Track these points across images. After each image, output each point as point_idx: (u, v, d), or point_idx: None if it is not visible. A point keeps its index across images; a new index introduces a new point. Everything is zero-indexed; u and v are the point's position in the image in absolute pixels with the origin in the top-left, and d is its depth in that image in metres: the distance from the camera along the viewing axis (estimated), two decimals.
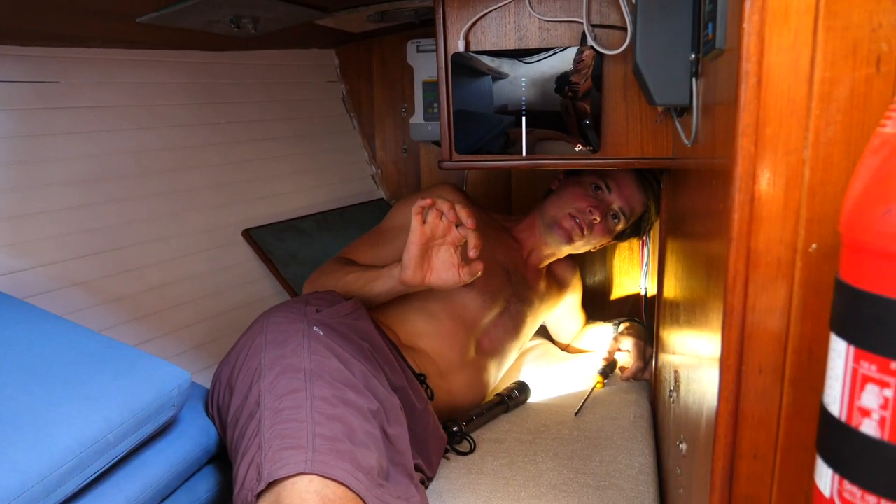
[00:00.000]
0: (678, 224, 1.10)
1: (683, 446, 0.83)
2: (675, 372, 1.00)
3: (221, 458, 1.04)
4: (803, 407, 0.58)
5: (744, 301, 0.56)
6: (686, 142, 0.83)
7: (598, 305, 1.93)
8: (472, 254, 1.10)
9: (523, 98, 1.18)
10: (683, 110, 0.86)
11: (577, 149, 1.18)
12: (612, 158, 1.19)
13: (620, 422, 1.33)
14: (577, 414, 1.37)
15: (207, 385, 1.16)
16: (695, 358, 0.80)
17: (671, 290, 1.18)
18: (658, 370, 1.38)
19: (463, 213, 1.08)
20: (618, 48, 1.09)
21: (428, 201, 1.09)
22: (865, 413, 0.46)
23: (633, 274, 1.95)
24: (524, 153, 1.20)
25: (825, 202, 0.53)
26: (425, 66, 1.88)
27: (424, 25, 1.91)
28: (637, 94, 1.15)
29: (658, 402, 1.34)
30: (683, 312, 0.94)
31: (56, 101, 1.34)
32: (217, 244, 1.62)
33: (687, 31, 0.78)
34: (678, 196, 1.08)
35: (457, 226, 1.11)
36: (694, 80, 0.79)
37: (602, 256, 1.95)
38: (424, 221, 1.10)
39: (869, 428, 0.45)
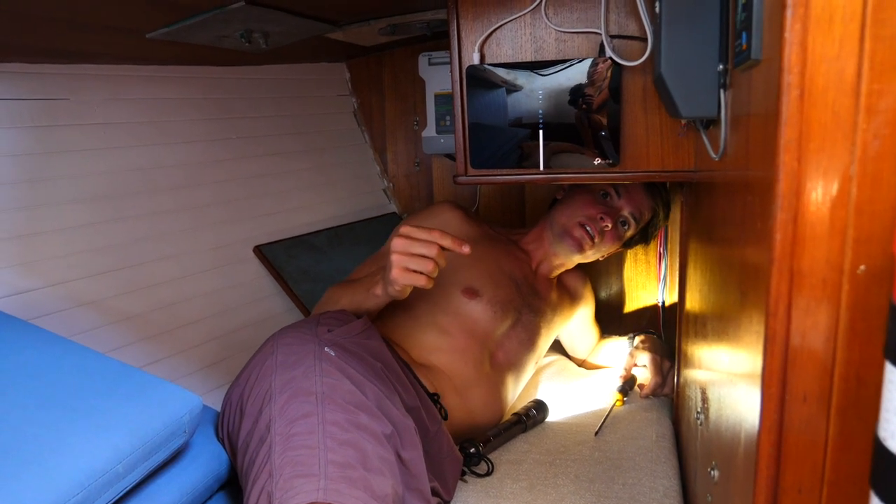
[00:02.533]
0: (702, 236, 1.06)
1: (715, 473, 0.79)
2: (703, 391, 0.96)
3: (233, 484, 1.01)
4: (852, 438, 0.54)
5: (787, 325, 0.53)
6: (713, 155, 0.80)
7: (614, 318, 1.89)
8: (465, 250, 1.06)
9: (540, 111, 1.15)
10: (710, 123, 0.83)
11: (595, 162, 1.15)
12: (631, 172, 1.16)
13: (642, 442, 1.29)
14: (597, 434, 1.34)
15: (217, 406, 1.13)
16: (726, 377, 0.77)
17: (695, 303, 1.15)
18: (681, 386, 1.34)
19: (448, 241, 1.05)
20: (637, 59, 1.06)
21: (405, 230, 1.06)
22: None
23: (649, 286, 1.91)
24: (541, 167, 1.17)
25: (874, 221, 0.50)
26: (437, 78, 1.86)
27: (437, 38, 1.89)
28: (657, 105, 1.12)
29: (681, 420, 1.30)
30: (711, 328, 0.91)
31: (65, 118, 1.33)
32: (228, 261, 1.60)
33: (714, 41, 0.75)
34: (702, 209, 1.05)
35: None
36: (722, 91, 0.76)
37: (618, 268, 1.92)
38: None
39: None
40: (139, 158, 1.45)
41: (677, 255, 1.80)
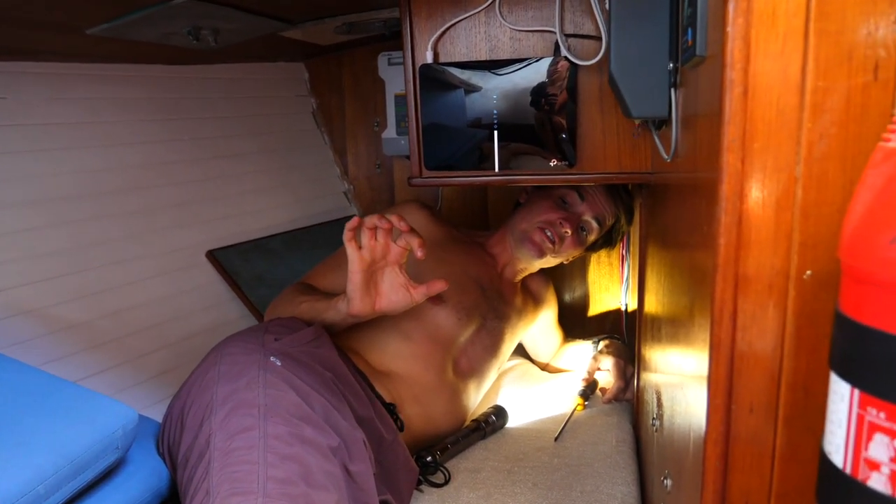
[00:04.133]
0: (659, 240, 1.05)
1: (668, 482, 0.77)
2: (658, 395, 0.95)
3: (175, 500, 0.96)
4: (799, 449, 0.52)
5: (732, 333, 0.51)
6: (665, 156, 0.78)
7: (577, 322, 1.88)
8: (418, 254, 1.03)
9: (495, 111, 1.13)
10: (662, 123, 0.81)
11: (552, 164, 1.13)
12: (588, 174, 1.14)
13: (602, 447, 1.27)
14: (556, 439, 1.31)
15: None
16: (678, 383, 0.75)
17: (652, 306, 1.13)
18: (640, 390, 1.32)
19: (394, 218, 1.02)
20: (592, 59, 1.04)
21: (354, 221, 1.02)
22: (874, 466, 0.40)
23: (612, 289, 1.90)
24: (497, 168, 1.14)
25: (820, 224, 0.48)
26: (397, 79, 1.83)
27: (395, 38, 1.85)
28: (613, 106, 1.11)
29: (641, 425, 1.28)
30: (666, 332, 0.89)
31: (3, 117, 1.26)
32: (179, 266, 1.54)
33: (664, 39, 0.74)
34: (659, 211, 1.03)
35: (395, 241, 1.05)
36: (673, 90, 0.74)
37: (581, 271, 1.91)
38: (360, 246, 1.03)
39: (878, 483, 0.40)
40: (84, 160, 1.40)
41: (637, 258, 1.80)
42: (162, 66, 1.59)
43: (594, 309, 1.93)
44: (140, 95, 1.53)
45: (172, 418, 0.97)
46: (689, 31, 0.57)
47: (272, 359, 0.95)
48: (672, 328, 0.82)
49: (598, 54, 1.02)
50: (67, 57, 1.38)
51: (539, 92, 1.11)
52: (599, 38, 1.04)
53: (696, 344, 0.60)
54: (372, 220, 1.03)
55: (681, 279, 0.74)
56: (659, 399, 0.92)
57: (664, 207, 0.94)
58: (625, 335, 1.79)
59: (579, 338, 1.76)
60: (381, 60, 1.83)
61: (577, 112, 1.12)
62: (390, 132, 1.85)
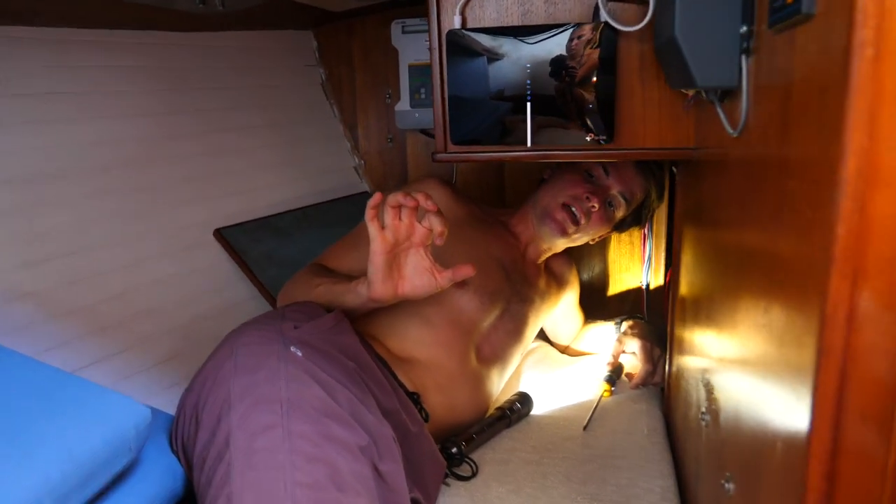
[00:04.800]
0: (702, 218, 0.98)
1: (730, 486, 0.71)
2: (708, 386, 0.88)
3: (191, 500, 0.90)
4: None
5: (846, 336, 0.44)
6: (731, 131, 0.71)
7: (596, 302, 1.81)
8: (437, 241, 0.97)
9: (528, 82, 1.05)
10: (725, 94, 0.73)
11: (587, 139, 1.05)
12: (627, 149, 1.06)
13: (633, 436, 1.21)
14: (585, 428, 1.26)
15: (173, 405, 1.02)
16: (745, 374, 0.68)
17: (692, 288, 1.06)
18: (673, 376, 1.26)
19: (420, 197, 0.95)
20: (635, 24, 0.96)
21: (377, 197, 0.95)
22: None
23: (633, 269, 1.83)
24: (529, 143, 1.06)
25: None
26: (411, 48, 1.74)
27: (409, 4, 1.77)
28: (655, 76, 1.02)
29: (675, 412, 1.22)
30: (722, 321, 0.83)
31: None
32: (185, 245, 1.47)
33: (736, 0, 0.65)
34: (705, 189, 0.96)
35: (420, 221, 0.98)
36: (744, 57, 0.66)
37: (600, 249, 1.83)
38: (383, 226, 0.96)
39: None
40: (84, 133, 1.32)
41: (663, 236, 1.72)
42: (165, 33, 1.50)
43: (614, 288, 1.86)
44: (143, 64, 1.44)
45: (186, 414, 0.90)
46: None
47: (292, 349, 0.88)
48: (730, 317, 0.75)
49: (642, 20, 0.94)
50: (68, 22, 1.29)
51: (580, 50, 1.03)
52: (643, 2, 0.95)
53: (786, 343, 0.53)
54: (396, 197, 0.95)
55: (749, 265, 0.67)
56: (710, 391, 0.86)
57: (717, 185, 0.87)
58: (645, 314, 1.73)
59: (599, 318, 1.70)
60: (395, 28, 1.74)
61: (616, 83, 1.03)
62: (403, 104, 1.77)
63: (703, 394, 0.91)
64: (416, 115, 1.76)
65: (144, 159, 1.42)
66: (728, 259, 0.78)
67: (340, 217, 1.78)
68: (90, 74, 1.34)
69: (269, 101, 1.76)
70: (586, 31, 1.01)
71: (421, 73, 1.74)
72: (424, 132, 1.87)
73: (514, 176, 1.86)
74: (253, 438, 0.76)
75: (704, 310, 0.93)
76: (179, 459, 0.90)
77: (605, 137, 1.05)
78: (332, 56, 1.92)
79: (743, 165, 0.70)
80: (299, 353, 0.88)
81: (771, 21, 0.55)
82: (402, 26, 1.73)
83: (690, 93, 0.87)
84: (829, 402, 0.46)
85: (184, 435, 0.90)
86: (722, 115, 0.73)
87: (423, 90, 1.75)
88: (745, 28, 0.65)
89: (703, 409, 0.88)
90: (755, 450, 0.63)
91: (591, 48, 1.02)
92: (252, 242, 1.57)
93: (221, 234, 1.53)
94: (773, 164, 0.58)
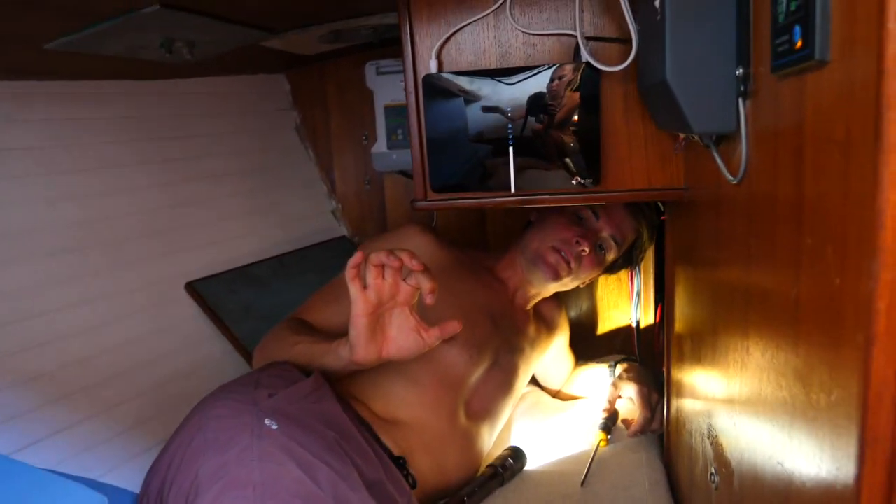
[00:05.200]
0: (701, 263, 0.93)
1: None
2: (716, 443, 0.82)
3: None
4: None
5: (894, 425, 0.39)
6: (731, 178, 0.66)
7: (585, 341, 1.75)
8: (428, 300, 0.90)
9: (509, 125, 1.00)
10: (721, 138, 0.69)
11: (574, 182, 1.01)
12: (614, 192, 1.02)
13: (634, 491, 1.15)
14: (583, 484, 1.19)
15: (142, 476, 0.93)
16: (762, 434, 0.62)
17: (691, 328, 1.01)
18: (673, 422, 1.20)
19: (405, 256, 0.88)
20: (618, 64, 0.92)
21: (358, 257, 0.89)
22: None
23: (622, 306, 1.78)
24: (513, 189, 1.02)
25: None
26: (387, 88, 1.70)
27: (383, 46, 1.73)
28: (640, 116, 0.99)
29: (678, 463, 1.16)
30: (723, 359, 0.77)
31: None
32: (154, 302, 1.40)
33: (730, 40, 0.61)
34: (700, 232, 0.91)
35: (405, 279, 0.92)
36: (741, 101, 0.62)
37: (587, 287, 1.78)
38: (365, 285, 0.90)
39: None
40: (41, 189, 1.25)
41: (651, 271, 1.68)
42: (131, 82, 1.44)
43: (603, 327, 1.81)
44: (106, 115, 1.38)
45: (150, 497, 0.83)
46: (798, 28, 0.45)
47: (267, 422, 0.81)
48: (737, 360, 0.70)
49: (624, 59, 0.90)
50: (23, 75, 1.23)
51: (560, 93, 0.99)
52: (625, 41, 0.92)
53: (817, 424, 0.48)
54: (379, 256, 0.89)
55: (758, 309, 0.62)
56: (717, 446, 0.80)
57: (712, 226, 0.82)
58: (637, 352, 1.67)
59: (589, 357, 1.64)
60: (369, 70, 1.70)
61: (600, 123, 0.99)
62: (380, 146, 1.72)
63: (709, 448, 0.86)
64: (394, 156, 1.72)
65: (108, 214, 1.35)
66: (733, 301, 0.73)
67: (319, 263, 1.72)
68: (51, 128, 1.28)
69: (241, 147, 1.70)
70: (567, 71, 0.98)
71: (397, 114, 1.70)
72: (403, 173, 1.82)
73: (497, 217, 1.81)
74: None
75: (706, 352, 0.88)
76: None
77: (590, 180, 1.00)
78: (306, 99, 1.88)
79: (745, 209, 0.66)
80: (274, 426, 0.81)
81: (775, 65, 0.51)
82: (377, 67, 1.69)
83: (682, 136, 0.83)
84: (878, 496, 0.40)
85: None
86: (720, 162, 0.68)
87: (399, 131, 1.71)
88: (741, 70, 0.61)
89: (713, 470, 0.82)
90: None
91: (571, 90, 0.98)
92: (227, 294, 1.50)
93: (193, 288, 1.46)
94: (783, 216, 0.54)
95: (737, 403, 0.71)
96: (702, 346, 0.91)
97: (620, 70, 0.93)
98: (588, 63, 0.95)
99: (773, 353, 0.58)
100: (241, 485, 0.73)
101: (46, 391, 1.17)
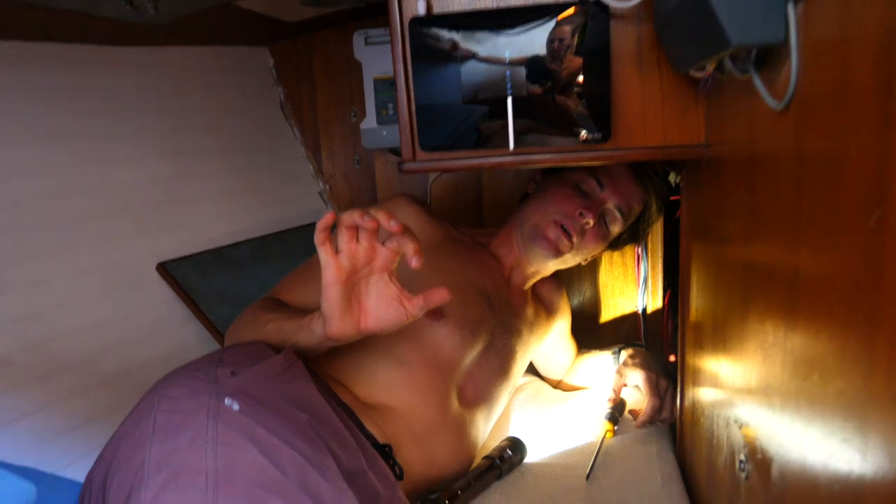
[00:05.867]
0: (725, 229, 0.82)
1: None
2: (745, 431, 0.72)
3: None
4: None
5: None
6: (773, 103, 0.55)
7: (588, 330, 1.65)
8: (413, 264, 0.78)
9: (508, 74, 0.90)
10: (762, 60, 0.58)
11: (581, 137, 0.90)
12: (626, 149, 0.91)
13: (646, 486, 1.04)
14: (588, 478, 1.08)
15: None
16: (810, 421, 0.52)
17: (711, 312, 0.90)
18: (688, 412, 1.09)
19: (381, 216, 0.77)
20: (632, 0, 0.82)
21: (328, 218, 0.78)
22: None
23: (627, 292, 1.68)
24: (511, 146, 0.91)
25: None
26: (376, 60, 1.59)
27: (373, 14, 1.63)
28: (656, 64, 0.88)
29: (694, 456, 1.05)
30: (756, 345, 0.67)
31: None
32: (123, 283, 1.29)
33: None
34: (725, 193, 0.80)
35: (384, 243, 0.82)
36: (790, 5, 0.51)
37: (591, 272, 1.68)
38: (337, 251, 0.80)
39: None
40: None
41: (659, 254, 1.58)
42: (98, 47, 1.33)
43: (607, 314, 1.71)
44: (67, 81, 1.27)
45: (93, 488, 0.72)
46: None
47: (227, 401, 0.70)
48: (782, 370, 0.59)
49: None
50: None
51: (562, 50, 0.88)
52: None
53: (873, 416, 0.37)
54: (352, 216, 0.78)
55: (808, 286, 0.52)
56: (748, 434, 0.69)
57: (740, 187, 0.72)
58: (644, 342, 1.57)
59: (592, 348, 1.54)
60: (357, 39, 1.59)
61: (611, 72, 0.89)
62: (370, 122, 1.61)
63: (737, 436, 0.75)
64: (384, 132, 1.61)
65: (70, 189, 1.23)
66: (770, 281, 0.62)
67: (303, 247, 1.61)
68: (3, 93, 1.17)
69: (221, 123, 1.59)
70: (572, 17, 0.87)
71: (387, 87, 1.60)
72: (393, 151, 1.72)
73: (494, 193, 1.71)
74: None
75: (734, 338, 0.77)
76: None
77: (599, 136, 0.89)
78: (291, 74, 1.77)
79: (791, 149, 0.55)
80: (235, 407, 0.70)
81: None
82: (365, 37, 1.58)
83: (708, 71, 0.72)
84: None
85: None
86: (760, 86, 0.57)
87: (390, 105, 1.60)
88: None
89: (742, 457, 0.71)
90: None
91: (578, 39, 0.87)
92: (201, 277, 1.39)
93: (166, 269, 1.35)
94: (854, 153, 0.43)
95: (776, 393, 0.60)
96: (727, 332, 0.79)
97: (633, 7, 0.83)
98: (597, 2, 0.84)
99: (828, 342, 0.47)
100: (192, 473, 0.62)
101: (1, 377, 1.05)
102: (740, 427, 0.73)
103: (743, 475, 0.71)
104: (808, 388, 0.52)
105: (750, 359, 0.69)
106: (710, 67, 0.68)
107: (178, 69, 1.50)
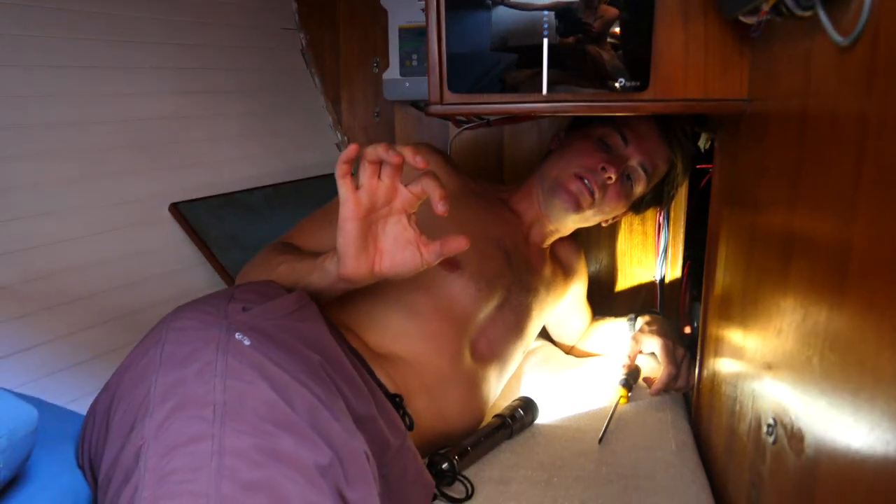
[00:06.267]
0: (763, 194, 0.78)
1: None
2: (775, 399, 0.69)
3: None
4: None
5: None
6: (839, 39, 0.51)
7: (603, 298, 1.61)
8: (438, 209, 0.74)
9: (545, 17, 0.85)
10: None
11: (618, 85, 0.85)
12: (663, 100, 0.87)
13: (660, 452, 1.02)
14: (601, 441, 1.06)
15: None
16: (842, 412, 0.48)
17: (741, 282, 0.87)
18: (706, 381, 1.06)
19: (407, 152, 0.74)
20: None
21: (351, 150, 0.74)
22: None
23: (645, 261, 1.64)
24: (545, 89, 0.86)
25: None
26: (402, 8, 1.54)
27: None
28: (701, 8, 0.83)
29: (710, 424, 1.02)
30: (792, 318, 0.63)
31: None
32: (134, 221, 1.26)
33: None
34: (767, 154, 0.76)
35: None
36: None
37: (609, 239, 1.64)
38: (357, 187, 0.76)
39: None
40: (11, 81, 1.10)
41: (681, 223, 1.53)
42: None
43: (623, 283, 1.67)
44: (88, 9, 1.23)
45: (96, 418, 0.70)
46: None
47: (237, 336, 0.67)
48: (823, 345, 0.55)
49: None
50: None
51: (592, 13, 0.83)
52: None
53: None
54: (376, 150, 0.75)
55: (861, 278, 0.48)
56: (780, 416, 0.66)
57: (788, 146, 0.67)
58: (660, 311, 1.53)
59: (607, 315, 1.50)
60: None
61: (653, 18, 0.84)
62: (393, 72, 1.57)
63: (764, 403, 0.72)
64: (407, 84, 1.56)
65: (85, 118, 1.21)
66: (818, 249, 0.58)
67: (318, 197, 1.57)
68: (20, 16, 1.13)
69: (240, 63, 1.55)
70: None
71: (413, 37, 1.55)
72: (415, 105, 1.67)
73: (515, 154, 1.66)
74: (170, 455, 0.55)
75: (766, 310, 0.73)
76: (86, 477, 0.69)
77: (637, 83, 0.85)
78: (315, 19, 1.72)
79: (852, 103, 0.50)
80: (246, 342, 0.67)
81: None
82: None
83: (765, 7, 0.67)
84: None
85: (91, 446, 0.69)
86: (826, 21, 0.53)
87: (414, 56, 1.55)
88: None
89: (771, 421, 0.68)
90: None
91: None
92: (214, 220, 1.36)
93: (178, 210, 1.32)
94: None
95: (814, 369, 0.56)
96: (759, 304, 0.76)
97: None
98: None
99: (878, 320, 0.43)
100: (199, 404, 0.59)
101: (5, 306, 1.04)
102: (769, 392, 0.70)
103: (770, 439, 0.68)
104: (853, 366, 0.49)
105: (784, 332, 0.66)
106: (766, 7, 0.64)
107: (202, 6, 1.46)
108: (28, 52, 1.13)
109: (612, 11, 0.85)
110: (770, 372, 0.70)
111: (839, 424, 0.51)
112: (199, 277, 1.33)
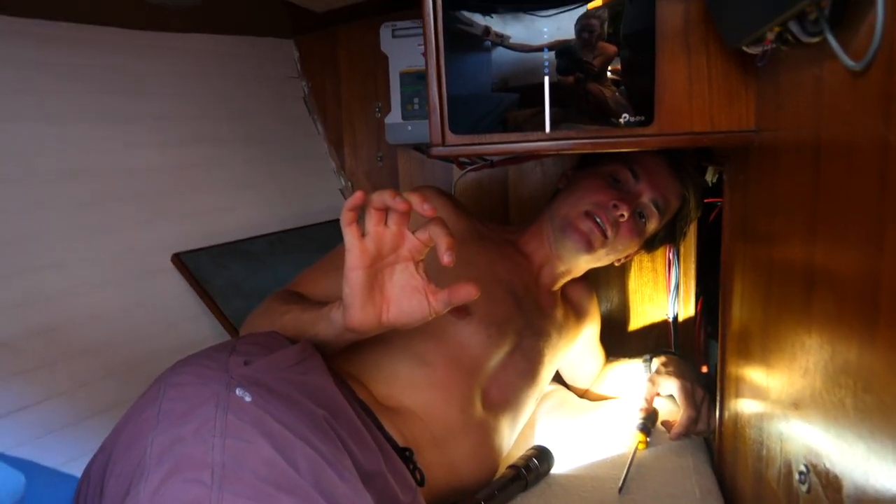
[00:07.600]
0: (777, 227, 0.76)
1: None
2: (805, 443, 0.65)
3: None
4: None
5: None
6: (851, 64, 0.49)
7: (616, 338, 1.58)
8: (444, 260, 0.71)
9: (545, 52, 0.84)
10: (838, 17, 0.52)
11: (622, 120, 0.84)
12: (669, 135, 0.85)
13: (683, 501, 0.97)
14: (621, 491, 1.01)
15: None
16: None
17: (759, 319, 0.84)
18: (728, 424, 1.02)
19: (415, 198, 0.72)
20: None
21: (357, 197, 0.72)
22: None
23: (657, 299, 1.60)
24: (548, 127, 0.85)
25: None
26: (403, 53, 1.55)
27: (400, 6, 1.59)
28: (704, 42, 0.82)
29: (735, 470, 0.98)
30: (817, 356, 0.60)
31: None
32: (136, 272, 1.24)
33: None
34: (777, 185, 0.74)
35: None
36: None
37: (619, 278, 1.62)
38: (363, 234, 0.74)
39: None
40: (12, 136, 1.10)
41: (692, 259, 1.50)
42: (121, 30, 1.30)
43: (636, 322, 1.64)
44: (91, 62, 1.24)
45: (91, 480, 0.67)
46: None
47: (238, 391, 0.65)
48: (856, 387, 0.52)
49: None
50: None
51: (601, 28, 0.83)
52: None
53: None
54: (382, 197, 0.73)
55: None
56: (810, 463, 0.62)
57: (801, 180, 0.65)
58: (675, 350, 1.49)
59: (621, 356, 1.46)
60: (384, 32, 1.55)
61: (655, 52, 0.83)
62: (394, 116, 1.57)
63: (794, 448, 0.68)
64: (409, 128, 1.56)
65: (89, 169, 1.20)
66: (843, 284, 0.55)
67: (322, 243, 1.56)
68: (23, 71, 1.13)
69: (243, 112, 1.56)
70: (604, 14, 0.82)
71: (414, 81, 1.55)
72: (418, 148, 1.67)
73: (521, 195, 1.65)
74: None
75: (787, 347, 0.70)
76: None
77: (641, 118, 0.83)
78: (316, 67, 1.73)
79: (868, 129, 0.48)
80: (247, 398, 0.64)
81: None
82: (393, 29, 1.54)
83: (769, 36, 0.66)
84: None
85: None
86: (836, 46, 0.51)
87: (416, 100, 1.55)
88: None
89: (803, 468, 0.64)
90: None
91: (620, 17, 0.82)
92: (217, 269, 1.34)
93: (181, 260, 1.30)
94: None
95: (847, 409, 0.53)
96: (781, 341, 0.72)
97: None
98: None
99: None
100: (197, 466, 0.56)
101: (3, 363, 1.01)
102: (797, 437, 0.66)
103: (804, 487, 0.64)
104: (893, 408, 0.45)
105: (811, 371, 0.62)
106: (771, 36, 0.62)
107: (204, 57, 1.47)
108: (28, 104, 1.13)
109: (611, 48, 0.84)
110: (797, 413, 0.67)
111: (881, 471, 0.47)
112: (202, 328, 1.31)
